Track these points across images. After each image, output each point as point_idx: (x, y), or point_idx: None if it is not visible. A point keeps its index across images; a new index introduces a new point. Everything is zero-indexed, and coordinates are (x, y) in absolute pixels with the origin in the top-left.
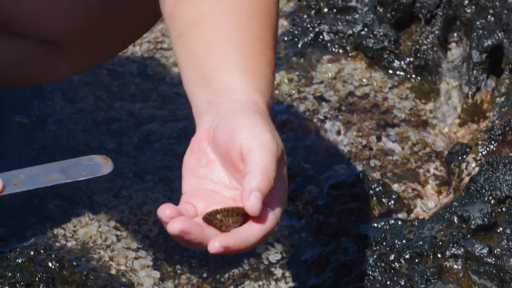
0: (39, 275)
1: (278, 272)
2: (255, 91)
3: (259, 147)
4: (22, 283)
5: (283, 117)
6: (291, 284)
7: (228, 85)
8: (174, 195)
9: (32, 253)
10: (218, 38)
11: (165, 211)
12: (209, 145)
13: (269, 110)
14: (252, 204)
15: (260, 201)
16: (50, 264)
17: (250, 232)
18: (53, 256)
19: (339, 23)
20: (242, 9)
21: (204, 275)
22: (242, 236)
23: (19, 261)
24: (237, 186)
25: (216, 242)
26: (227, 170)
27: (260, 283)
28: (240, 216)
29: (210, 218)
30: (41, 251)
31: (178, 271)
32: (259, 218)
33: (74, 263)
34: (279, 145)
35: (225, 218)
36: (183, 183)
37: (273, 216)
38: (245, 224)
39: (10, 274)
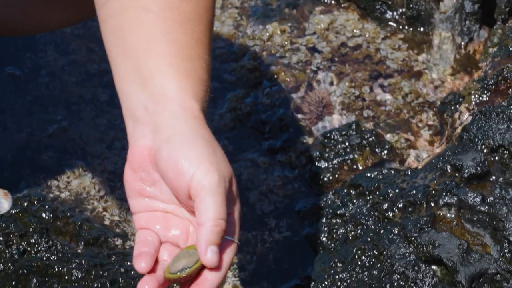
0: (32, 226)
1: (272, 222)
2: (193, 97)
3: (208, 194)
4: (16, 234)
5: (275, 68)
6: (285, 234)
7: (167, 91)
8: None
9: (25, 204)
10: (159, 37)
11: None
12: (153, 167)
13: (204, 115)
14: (211, 259)
15: (217, 254)
16: (43, 215)
17: (217, 276)
18: (46, 207)
19: None
20: (185, 10)
21: None
22: (212, 284)
23: (13, 212)
24: (188, 208)
25: None
26: (175, 197)
27: (254, 233)
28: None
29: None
30: (35, 202)
31: None
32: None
33: (68, 214)
34: (226, 177)
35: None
36: (131, 203)
37: (232, 242)
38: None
39: (4, 225)
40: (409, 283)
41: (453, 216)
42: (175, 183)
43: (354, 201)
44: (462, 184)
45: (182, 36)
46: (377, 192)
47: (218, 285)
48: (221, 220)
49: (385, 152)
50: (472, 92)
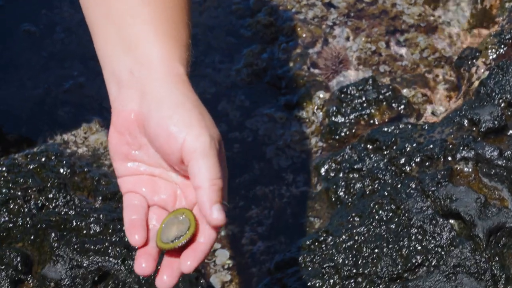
0: (50, 181)
1: (289, 177)
2: (179, 61)
3: (202, 157)
4: (34, 189)
5: (291, 24)
6: (302, 189)
7: (153, 55)
8: None
9: (43, 159)
10: (145, 2)
11: (141, 265)
12: (140, 131)
13: (188, 78)
14: (218, 218)
15: (222, 212)
16: (61, 170)
17: (210, 238)
18: (64, 162)
19: None
20: None
21: None
22: (206, 247)
23: (31, 167)
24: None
25: (189, 261)
26: (164, 161)
27: (271, 188)
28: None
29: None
30: (52, 158)
31: None
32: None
33: (85, 169)
34: (216, 139)
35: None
36: (116, 166)
37: (222, 204)
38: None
39: (22, 180)
40: (427, 237)
41: (470, 170)
42: (166, 148)
43: (371, 155)
44: (479, 138)
45: (168, 2)
46: (394, 147)
47: (211, 247)
48: (217, 180)
49: (402, 107)
50: (489, 46)
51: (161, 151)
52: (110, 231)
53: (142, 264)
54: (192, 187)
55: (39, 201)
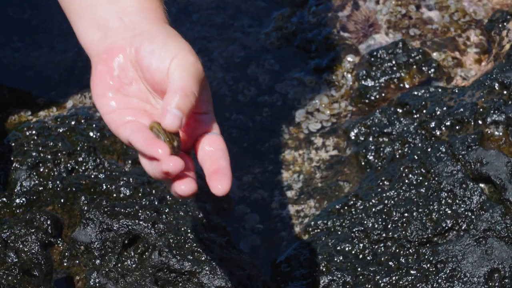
0: (80, 145)
1: (318, 141)
2: (163, 12)
3: (179, 69)
4: (64, 152)
5: None
6: (332, 153)
7: (139, 5)
8: (213, 66)
9: (73, 123)
10: None
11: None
12: (132, 65)
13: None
14: (170, 121)
15: (178, 118)
16: (91, 134)
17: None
18: (94, 126)
19: None
20: None
21: (245, 144)
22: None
23: (61, 130)
24: None
25: (219, 185)
26: (153, 93)
27: (300, 152)
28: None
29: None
30: (82, 121)
31: None
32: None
33: None
34: (200, 71)
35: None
36: (107, 102)
37: (217, 135)
38: (214, 153)
39: (52, 143)
40: (457, 201)
41: (501, 134)
42: (157, 73)
43: (401, 119)
44: (510, 102)
45: None
46: (424, 111)
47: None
48: (189, 90)
49: (432, 70)
50: None
51: (152, 80)
52: (140, 194)
53: (182, 186)
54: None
55: (69, 165)
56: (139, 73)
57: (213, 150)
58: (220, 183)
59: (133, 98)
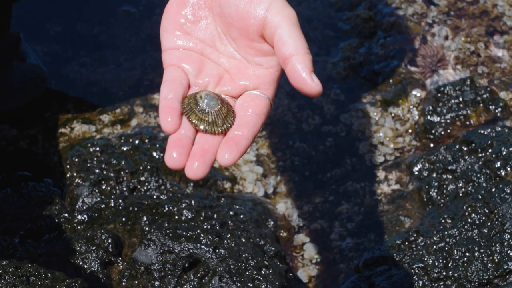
0: (143, 164)
1: (381, 174)
2: None
3: (290, 25)
4: (126, 171)
5: (390, 19)
6: (394, 187)
7: None
8: (279, 92)
9: (137, 142)
10: None
11: (172, 155)
12: (207, 3)
13: None
14: (318, 84)
15: (320, 85)
16: (154, 154)
17: (254, 131)
18: (157, 146)
19: None
20: None
21: (306, 173)
22: (248, 142)
23: (124, 149)
24: (232, 54)
25: (227, 154)
26: (227, 35)
27: (362, 184)
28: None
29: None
30: (146, 141)
31: (281, 168)
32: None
33: None
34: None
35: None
36: (166, 37)
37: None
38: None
39: (115, 161)
40: None
41: None
42: (245, 13)
43: (466, 157)
44: None
45: None
46: (490, 150)
47: (252, 142)
48: (309, 52)
49: (499, 109)
50: None
51: (236, 17)
52: (201, 218)
53: (173, 154)
54: (244, 73)
55: (131, 184)
56: (215, 10)
57: (249, 112)
58: (228, 152)
59: (194, 39)
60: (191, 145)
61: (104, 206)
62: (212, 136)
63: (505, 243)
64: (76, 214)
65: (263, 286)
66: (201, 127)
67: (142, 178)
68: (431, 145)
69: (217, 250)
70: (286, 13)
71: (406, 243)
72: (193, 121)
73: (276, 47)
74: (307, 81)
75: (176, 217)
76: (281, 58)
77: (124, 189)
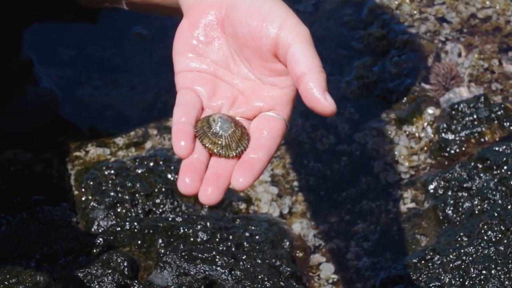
0: (158, 186)
1: (396, 193)
2: None
3: (303, 43)
4: (141, 193)
5: (404, 37)
6: (409, 205)
7: None
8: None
9: (151, 164)
10: None
11: (184, 180)
12: (219, 23)
13: None
14: (332, 103)
15: (333, 104)
16: (169, 176)
17: (269, 154)
18: (172, 168)
19: None
20: None
21: (322, 193)
22: (263, 165)
23: (139, 171)
24: (246, 75)
25: (242, 178)
26: (240, 56)
27: (378, 203)
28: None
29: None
30: (160, 163)
31: (296, 188)
32: (272, 130)
33: None
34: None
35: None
36: (179, 60)
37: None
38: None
39: (130, 184)
40: None
41: None
42: (257, 32)
43: (481, 175)
44: None
45: None
46: (505, 167)
47: (267, 165)
48: (323, 70)
49: None
50: None
51: (249, 37)
52: (217, 239)
53: (186, 180)
54: (259, 95)
55: (146, 206)
56: (228, 30)
57: (264, 135)
58: (243, 176)
59: (207, 61)
60: (204, 169)
61: (119, 229)
62: (226, 160)
63: None
64: (91, 238)
65: None
66: (215, 150)
67: (157, 200)
68: (446, 162)
69: (233, 272)
70: (299, 31)
71: (423, 262)
72: (207, 145)
73: (289, 66)
74: (320, 100)
75: (192, 239)
76: (294, 77)
77: (139, 211)
